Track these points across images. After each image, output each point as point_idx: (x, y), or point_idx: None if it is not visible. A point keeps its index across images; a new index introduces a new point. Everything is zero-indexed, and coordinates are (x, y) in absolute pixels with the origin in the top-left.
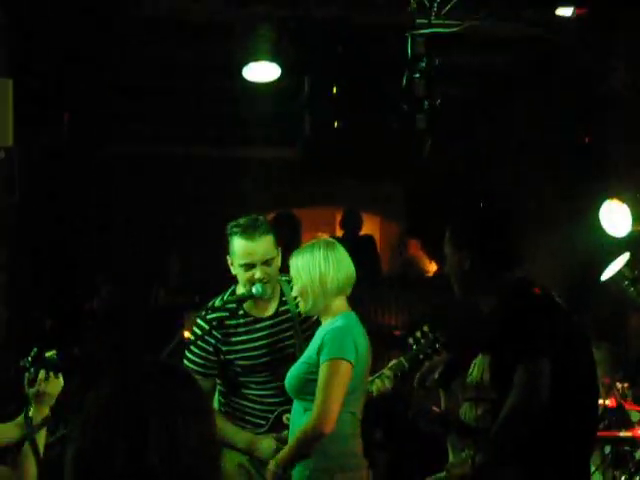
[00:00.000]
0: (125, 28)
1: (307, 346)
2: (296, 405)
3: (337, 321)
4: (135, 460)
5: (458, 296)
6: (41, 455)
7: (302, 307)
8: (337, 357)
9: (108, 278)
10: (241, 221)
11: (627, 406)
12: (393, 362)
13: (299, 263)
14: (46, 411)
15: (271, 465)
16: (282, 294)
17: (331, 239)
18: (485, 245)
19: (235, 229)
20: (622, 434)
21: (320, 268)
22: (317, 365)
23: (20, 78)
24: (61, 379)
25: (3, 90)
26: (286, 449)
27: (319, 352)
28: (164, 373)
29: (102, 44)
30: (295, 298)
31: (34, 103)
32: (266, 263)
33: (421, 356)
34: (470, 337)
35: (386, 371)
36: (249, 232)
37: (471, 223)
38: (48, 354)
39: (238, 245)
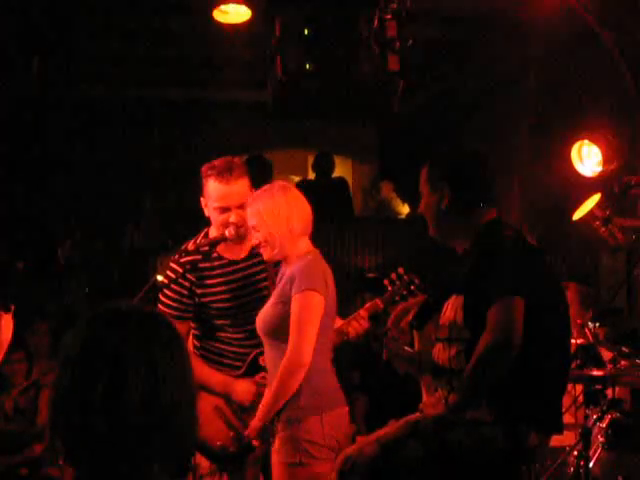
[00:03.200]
0: None
1: None
2: (271, 346)
3: (306, 258)
4: (114, 397)
5: (433, 236)
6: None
7: (267, 253)
8: (308, 289)
9: (81, 222)
10: (216, 164)
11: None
12: (368, 304)
13: (261, 208)
14: None
15: (255, 421)
16: None
17: (284, 182)
18: (464, 184)
19: (210, 172)
20: (594, 373)
21: (284, 210)
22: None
23: None
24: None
25: None
26: (267, 397)
27: (291, 287)
28: (140, 314)
29: None
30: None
31: (2, 49)
32: (241, 207)
33: (397, 298)
34: (444, 278)
35: (362, 312)
36: (225, 175)
37: (451, 162)
38: None
39: (213, 188)
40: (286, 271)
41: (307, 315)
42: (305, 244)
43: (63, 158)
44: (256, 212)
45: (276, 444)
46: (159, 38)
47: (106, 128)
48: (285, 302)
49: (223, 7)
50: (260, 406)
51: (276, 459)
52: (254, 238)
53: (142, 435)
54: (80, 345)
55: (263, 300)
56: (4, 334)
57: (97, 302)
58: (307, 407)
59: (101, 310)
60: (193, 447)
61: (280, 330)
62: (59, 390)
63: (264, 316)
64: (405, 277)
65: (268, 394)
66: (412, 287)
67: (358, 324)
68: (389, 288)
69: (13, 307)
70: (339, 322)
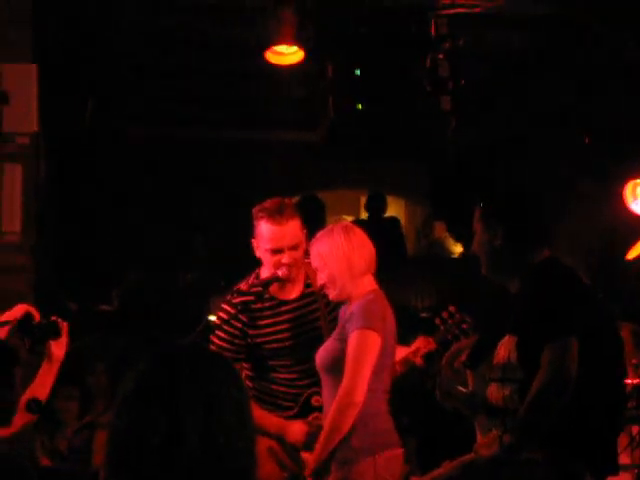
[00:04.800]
0: (150, 10)
1: (334, 327)
2: (329, 384)
3: (367, 297)
4: (173, 440)
5: (486, 275)
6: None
7: (331, 293)
8: (365, 327)
9: (134, 263)
10: (267, 205)
11: None
12: (421, 338)
13: (322, 250)
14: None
15: (310, 462)
16: (307, 277)
17: (347, 222)
18: (519, 222)
19: (261, 214)
20: None
21: (343, 250)
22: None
23: (44, 64)
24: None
25: (27, 76)
26: (321, 439)
27: (349, 325)
28: (198, 354)
29: (126, 27)
30: (321, 286)
31: (58, 88)
32: (293, 248)
33: (449, 337)
34: (497, 317)
35: (420, 347)
36: (276, 217)
37: (505, 200)
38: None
39: (265, 230)
40: (348, 309)
41: (362, 354)
42: (368, 282)
43: (116, 197)
44: (317, 253)
45: None
46: (209, 79)
47: (157, 168)
48: (343, 340)
49: (276, 48)
50: (316, 446)
51: None
52: (319, 279)
53: (198, 479)
54: (136, 386)
55: (316, 340)
56: (55, 352)
57: (153, 343)
58: (360, 448)
59: (158, 351)
60: None
61: (336, 367)
62: (115, 431)
63: (323, 352)
64: (457, 315)
65: (320, 440)
66: (464, 326)
67: (415, 358)
68: (441, 327)
69: (65, 327)
70: (404, 351)
